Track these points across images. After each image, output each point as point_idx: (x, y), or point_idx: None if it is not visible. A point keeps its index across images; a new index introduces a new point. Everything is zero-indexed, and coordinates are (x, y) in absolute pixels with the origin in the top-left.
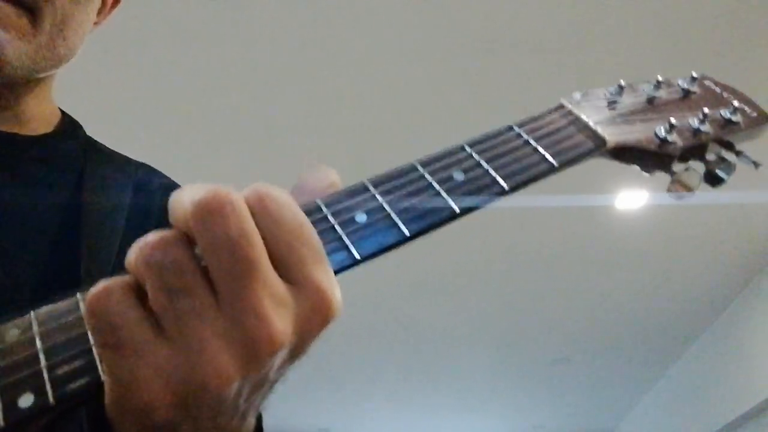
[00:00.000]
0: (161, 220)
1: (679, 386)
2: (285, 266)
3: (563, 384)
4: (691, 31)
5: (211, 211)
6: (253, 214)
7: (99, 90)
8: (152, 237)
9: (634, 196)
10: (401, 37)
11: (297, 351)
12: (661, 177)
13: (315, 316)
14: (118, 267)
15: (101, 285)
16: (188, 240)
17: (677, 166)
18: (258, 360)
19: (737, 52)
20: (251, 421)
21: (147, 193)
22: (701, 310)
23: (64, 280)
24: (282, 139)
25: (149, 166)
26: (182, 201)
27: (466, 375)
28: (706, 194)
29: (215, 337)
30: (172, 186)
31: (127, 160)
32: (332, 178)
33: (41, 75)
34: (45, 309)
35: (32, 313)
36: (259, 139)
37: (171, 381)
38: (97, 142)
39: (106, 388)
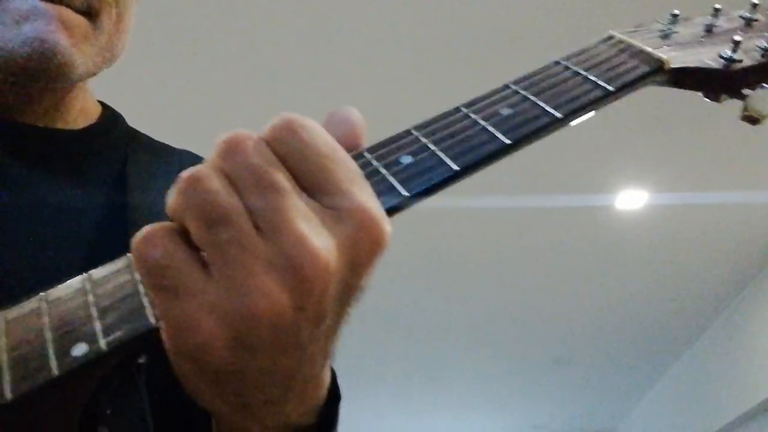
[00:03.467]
0: None
1: (679, 386)
2: (321, 189)
3: (563, 384)
4: None
5: (234, 144)
6: (281, 140)
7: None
8: (186, 173)
9: (634, 196)
10: (401, 33)
11: (352, 283)
12: (662, 177)
13: (362, 238)
14: None
15: (146, 229)
16: (223, 168)
17: (747, 90)
18: (306, 285)
19: None
20: (324, 373)
21: None
22: (701, 310)
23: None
24: None
25: (192, 153)
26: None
27: (466, 375)
28: (706, 194)
29: (260, 265)
30: None
31: (170, 149)
32: (356, 116)
33: (98, 73)
34: (97, 269)
35: (85, 273)
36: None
37: (222, 317)
38: (139, 132)
39: (162, 333)
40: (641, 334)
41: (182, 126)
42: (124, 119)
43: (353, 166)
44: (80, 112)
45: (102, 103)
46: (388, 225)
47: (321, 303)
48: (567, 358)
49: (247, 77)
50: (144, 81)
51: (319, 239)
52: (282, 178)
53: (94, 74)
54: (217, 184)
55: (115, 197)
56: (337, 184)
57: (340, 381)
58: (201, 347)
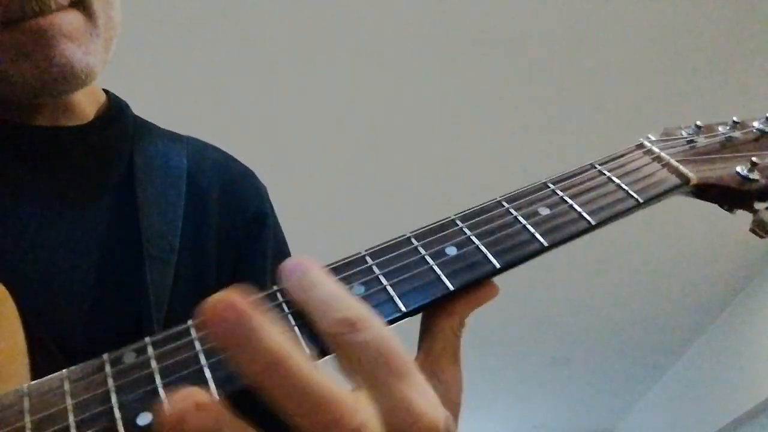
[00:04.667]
0: (220, 208)
1: (679, 386)
2: (375, 389)
3: (563, 384)
4: (692, 32)
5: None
6: (333, 336)
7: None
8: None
9: None
10: (402, 35)
11: None
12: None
13: None
14: (183, 250)
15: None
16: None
17: (759, 205)
18: None
19: (737, 58)
20: None
21: (201, 172)
22: (701, 310)
23: (126, 265)
24: (283, 136)
25: (199, 140)
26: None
27: (466, 375)
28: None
29: None
30: (227, 161)
31: (176, 136)
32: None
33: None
34: (160, 334)
35: (147, 338)
36: (258, 137)
37: None
38: (145, 121)
39: None
40: (641, 334)
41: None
42: (129, 107)
43: (405, 359)
44: (84, 106)
45: (106, 91)
46: (440, 418)
47: None
48: (567, 358)
49: (245, 70)
50: (140, 72)
51: None
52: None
53: (107, 60)
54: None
55: (125, 196)
56: (389, 382)
57: (339, 381)
58: None
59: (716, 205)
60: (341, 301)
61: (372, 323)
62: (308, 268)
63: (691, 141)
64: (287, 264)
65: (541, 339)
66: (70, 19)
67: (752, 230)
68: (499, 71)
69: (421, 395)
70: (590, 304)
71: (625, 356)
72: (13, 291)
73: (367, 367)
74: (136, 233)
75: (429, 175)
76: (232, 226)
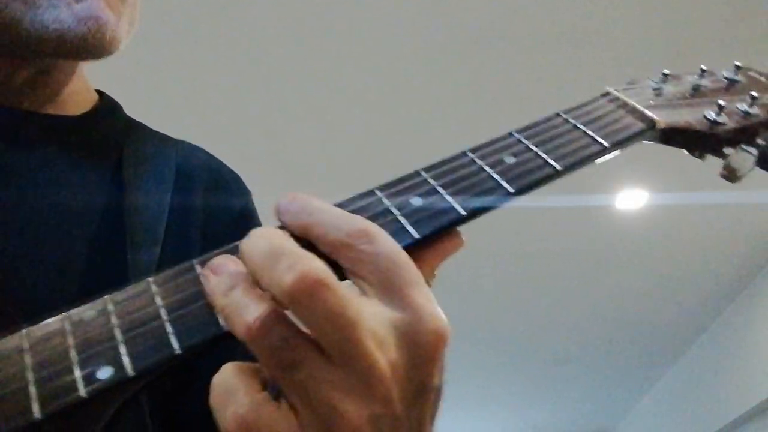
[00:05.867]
0: (206, 204)
1: (679, 386)
2: (386, 293)
3: (563, 384)
4: (693, 27)
5: (307, 294)
6: (348, 246)
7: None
8: (253, 321)
9: (634, 196)
10: (403, 34)
11: (422, 382)
12: (662, 177)
13: (423, 340)
14: (166, 246)
15: (224, 373)
16: (283, 313)
17: (729, 150)
18: (377, 399)
19: (738, 51)
20: None
21: (189, 170)
22: (701, 310)
23: (111, 258)
24: (283, 137)
25: (191, 144)
26: (271, 275)
27: (466, 375)
28: (706, 194)
29: (335, 391)
30: (214, 163)
31: (168, 139)
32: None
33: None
34: (118, 293)
35: (107, 296)
36: (258, 140)
37: None
38: (137, 122)
39: None
40: (641, 334)
41: (176, 119)
42: (121, 108)
43: (413, 267)
44: (76, 98)
45: (99, 92)
46: (446, 324)
47: (393, 410)
48: (567, 358)
49: (244, 71)
50: (139, 73)
51: (384, 357)
52: (354, 312)
53: (126, 41)
54: (289, 330)
55: (112, 190)
56: (401, 288)
57: None
58: None
59: (688, 151)
60: (352, 216)
61: (384, 235)
62: (307, 197)
63: (658, 89)
64: (282, 199)
65: (541, 339)
66: None
67: (722, 175)
68: (498, 71)
69: (431, 302)
70: (590, 304)
71: (625, 356)
72: None
73: (381, 276)
74: (121, 222)
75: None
76: (218, 223)
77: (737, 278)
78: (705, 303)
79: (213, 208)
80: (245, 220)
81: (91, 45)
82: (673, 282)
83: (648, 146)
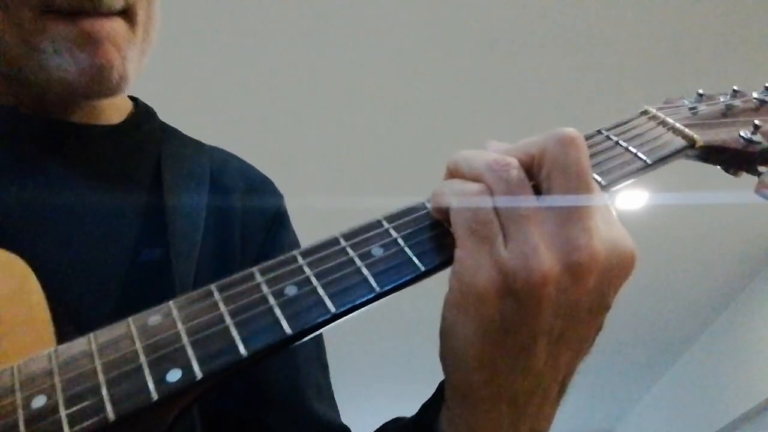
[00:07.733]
0: (243, 207)
1: (679, 386)
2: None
3: None
4: (693, 31)
5: (568, 142)
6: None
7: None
8: (498, 158)
9: (634, 196)
10: (403, 36)
11: (602, 299)
12: (661, 177)
13: (626, 258)
14: (204, 248)
15: (469, 184)
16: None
17: (762, 168)
18: (573, 268)
19: (737, 56)
20: (555, 396)
21: (224, 175)
22: (701, 310)
23: (153, 264)
24: (283, 137)
25: (224, 150)
26: (523, 145)
27: None
28: (706, 194)
29: (542, 238)
30: (248, 169)
31: (201, 145)
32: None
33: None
34: (182, 298)
35: (171, 302)
36: (259, 142)
37: (504, 271)
38: (171, 127)
39: (453, 277)
40: (641, 334)
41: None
42: (155, 113)
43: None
44: (113, 107)
45: (131, 97)
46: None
47: (577, 297)
48: None
49: (246, 71)
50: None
51: (600, 243)
52: (592, 183)
53: (139, 73)
54: (523, 173)
55: (152, 195)
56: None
57: (339, 381)
58: (480, 295)
59: (723, 168)
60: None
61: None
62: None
63: (693, 108)
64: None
65: None
66: (117, 27)
67: (757, 191)
68: (499, 70)
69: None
70: None
71: (625, 356)
72: (43, 279)
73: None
74: (163, 231)
75: (429, 174)
76: (254, 226)
77: (737, 278)
78: (705, 303)
79: (249, 211)
80: (278, 224)
81: (96, 91)
82: (672, 282)
83: None
